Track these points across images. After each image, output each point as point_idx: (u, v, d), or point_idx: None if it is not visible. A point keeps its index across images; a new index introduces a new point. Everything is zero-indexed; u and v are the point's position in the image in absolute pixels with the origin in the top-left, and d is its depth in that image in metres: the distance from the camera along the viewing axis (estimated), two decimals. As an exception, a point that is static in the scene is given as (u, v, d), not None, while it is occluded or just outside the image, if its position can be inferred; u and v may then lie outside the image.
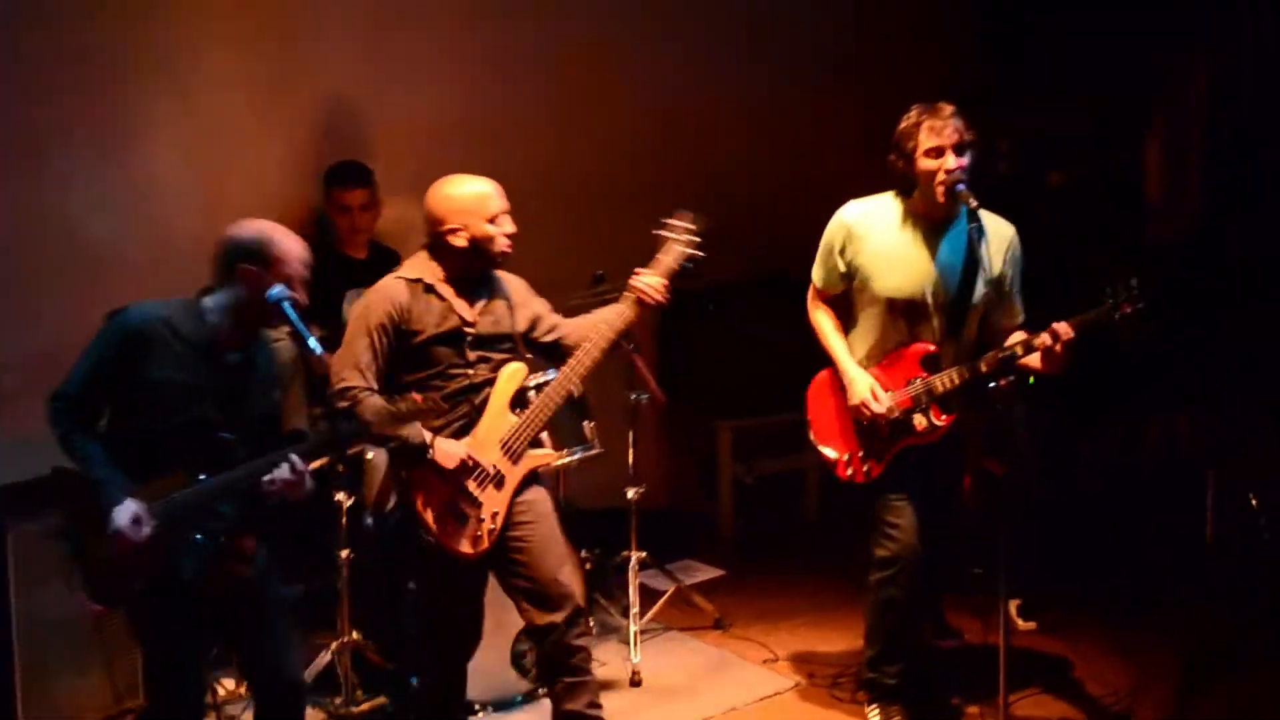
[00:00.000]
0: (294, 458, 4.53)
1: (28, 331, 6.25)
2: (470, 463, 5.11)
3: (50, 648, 5.59)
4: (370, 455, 6.03)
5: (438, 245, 5.21)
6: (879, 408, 5.40)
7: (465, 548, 5.13)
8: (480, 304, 5.23)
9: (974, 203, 5.20)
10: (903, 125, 5.34)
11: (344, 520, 5.87)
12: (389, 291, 5.16)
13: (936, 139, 5.25)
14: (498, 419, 5.20)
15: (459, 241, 5.15)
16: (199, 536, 4.59)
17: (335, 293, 6.44)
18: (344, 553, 5.86)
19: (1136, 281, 5.20)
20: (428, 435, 5.06)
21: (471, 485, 5.13)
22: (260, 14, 6.79)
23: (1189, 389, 7.55)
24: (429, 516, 5.12)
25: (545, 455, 5.33)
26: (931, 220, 5.40)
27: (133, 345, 4.56)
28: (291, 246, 4.63)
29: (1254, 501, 6.80)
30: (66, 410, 4.60)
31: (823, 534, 7.92)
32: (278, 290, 4.58)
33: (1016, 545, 5.27)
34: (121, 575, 4.53)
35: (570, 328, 5.38)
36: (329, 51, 7.02)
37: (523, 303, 5.35)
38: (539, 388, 5.38)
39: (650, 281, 5.27)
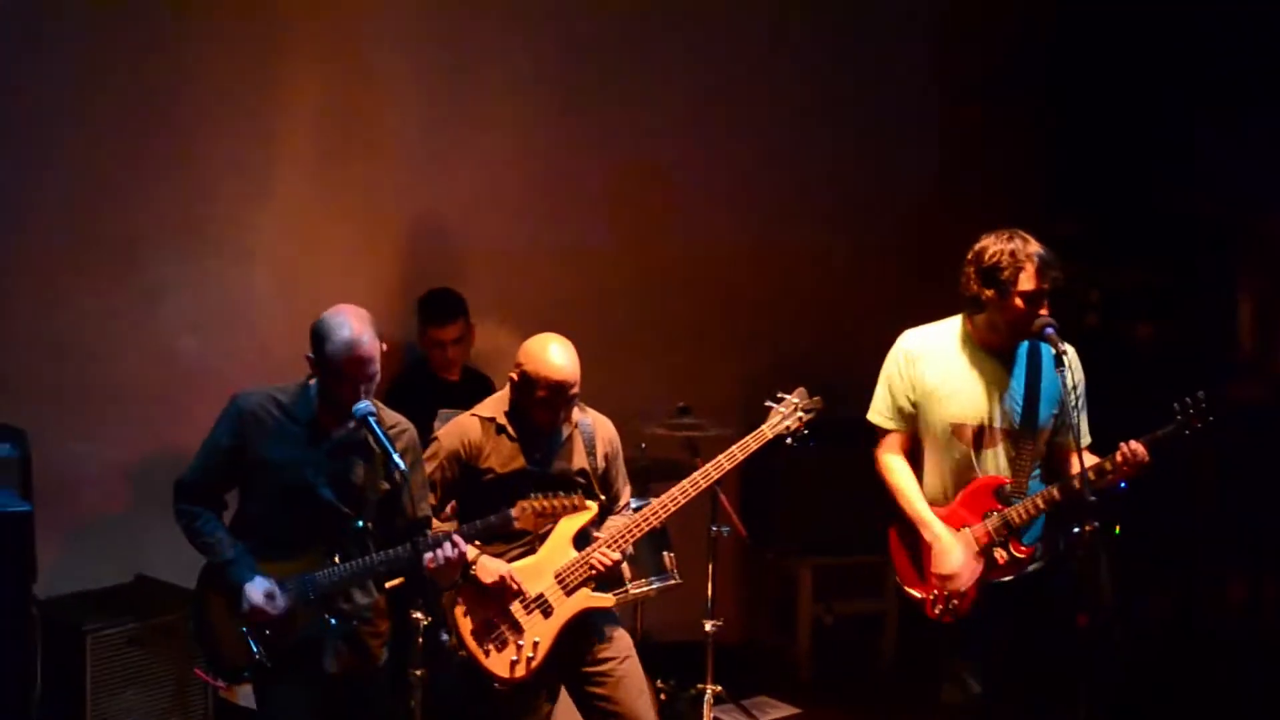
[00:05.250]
0: (456, 537, 4.73)
1: (114, 445, 6.39)
2: (512, 584, 5.14)
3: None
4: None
5: (512, 388, 5.30)
6: (969, 579, 5.30)
7: (499, 670, 5.15)
8: (552, 444, 5.30)
9: (1059, 346, 5.12)
10: (996, 255, 5.17)
11: (420, 638, 5.86)
12: (462, 429, 5.31)
13: (1036, 283, 5.13)
14: (557, 551, 5.25)
15: (518, 397, 5.25)
16: (332, 620, 4.73)
17: (429, 413, 6.49)
18: (419, 671, 5.84)
19: (1204, 394, 5.13)
20: (471, 551, 5.07)
21: (514, 608, 5.17)
22: (359, 138, 6.97)
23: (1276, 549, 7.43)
24: (465, 630, 5.17)
25: (602, 599, 5.32)
26: (994, 345, 5.31)
27: (245, 425, 4.75)
28: (341, 348, 4.66)
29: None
30: (187, 497, 4.79)
31: (900, 676, 7.80)
32: (363, 405, 4.71)
33: (1096, 697, 5.19)
34: (252, 646, 4.66)
35: (617, 506, 5.51)
36: (420, 175, 7.17)
37: (604, 449, 5.43)
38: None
39: (603, 556, 5.27)
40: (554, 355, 5.22)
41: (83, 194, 6.36)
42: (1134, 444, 5.15)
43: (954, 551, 5.32)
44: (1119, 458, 5.15)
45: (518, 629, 5.17)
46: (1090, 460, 5.24)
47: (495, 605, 5.18)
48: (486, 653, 5.18)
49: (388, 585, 5.05)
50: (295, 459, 4.73)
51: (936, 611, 5.42)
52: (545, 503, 4.95)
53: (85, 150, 6.35)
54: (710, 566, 6.53)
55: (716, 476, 5.42)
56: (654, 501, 5.41)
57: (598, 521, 5.37)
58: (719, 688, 6.50)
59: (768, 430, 5.46)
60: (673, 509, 5.39)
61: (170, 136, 6.49)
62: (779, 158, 8.10)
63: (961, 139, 8.47)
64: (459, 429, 5.33)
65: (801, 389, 5.50)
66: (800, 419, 5.46)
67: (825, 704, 7.51)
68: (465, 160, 7.30)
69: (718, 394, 7.19)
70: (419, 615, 5.85)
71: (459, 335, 6.91)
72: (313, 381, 4.81)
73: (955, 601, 5.35)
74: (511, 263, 7.39)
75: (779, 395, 5.50)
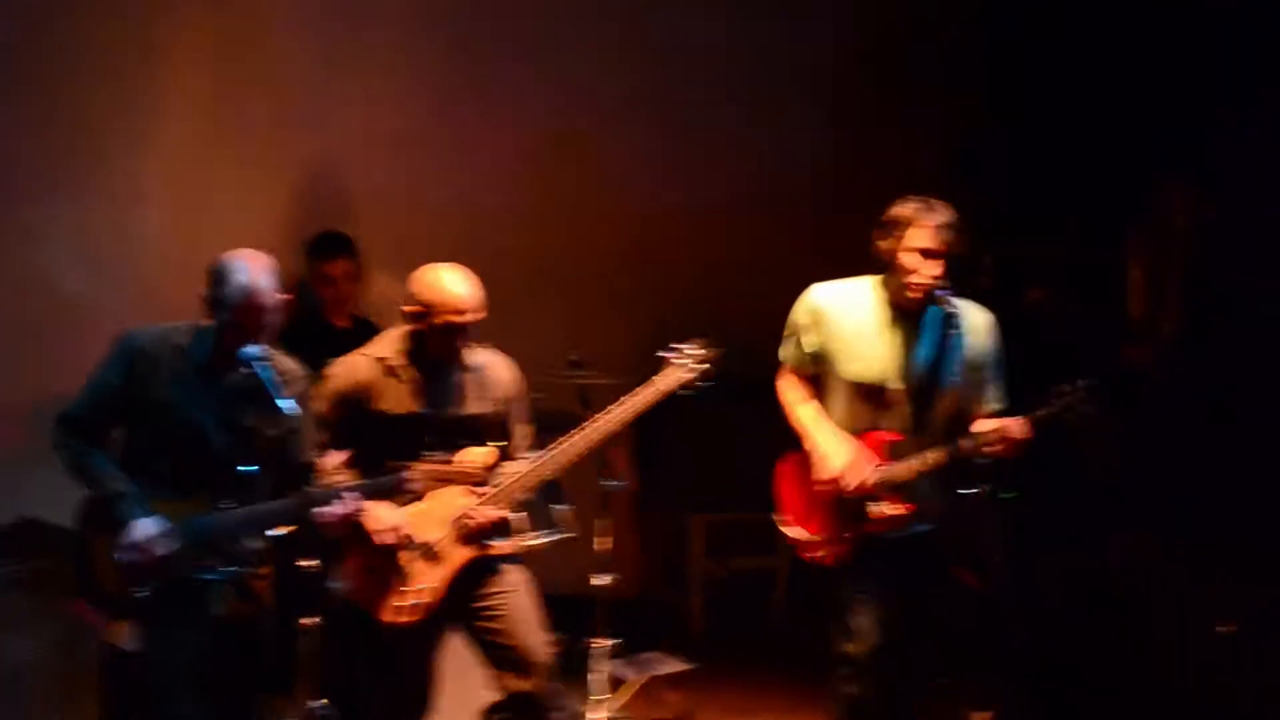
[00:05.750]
0: (346, 494, 4.74)
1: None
2: (403, 534, 5.11)
3: (10, 696, 5.52)
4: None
5: (409, 323, 5.24)
6: (857, 478, 5.30)
7: (387, 616, 5.14)
8: (448, 386, 5.24)
9: (951, 307, 5.21)
10: (898, 212, 5.29)
11: (308, 584, 5.80)
12: (353, 368, 5.24)
13: (925, 241, 5.21)
14: (451, 498, 5.19)
15: (419, 326, 5.18)
16: (219, 565, 4.72)
17: (317, 361, 6.45)
18: (307, 618, 5.79)
19: (1084, 383, 5.21)
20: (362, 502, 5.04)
21: (405, 556, 5.14)
22: (250, 79, 6.95)
23: (1161, 511, 7.51)
24: (354, 576, 5.17)
25: (499, 546, 5.31)
26: (904, 306, 5.36)
27: (137, 365, 4.69)
28: (237, 293, 4.66)
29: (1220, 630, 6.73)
30: (73, 431, 4.72)
31: (792, 631, 7.83)
32: (252, 350, 4.68)
33: (985, 658, 5.23)
34: (131, 582, 4.61)
35: (516, 451, 5.41)
36: (318, 118, 7.18)
37: (502, 391, 5.37)
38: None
39: (484, 514, 5.23)
40: (454, 283, 5.16)
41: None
42: (1013, 421, 5.22)
43: (840, 451, 5.31)
44: (996, 434, 5.21)
45: (408, 576, 5.14)
46: (984, 426, 5.29)
47: (385, 552, 5.14)
48: (375, 599, 5.15)
49: (278, 534, 4.98)
50: (188, 401, 4.71)
51: (816, 555, 5.46)
52: (441, 467, 4.91)
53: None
54: (603, 520, 6.51)
55: (611, 429, 5.37)
56: (545, 453, 5.35)
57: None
58: (612, 642, 6.50)
59: (660, 383, 5.40)
60: (565, 462, 5.34)
61: (54, 72, 6.41)
62: (688, 119, 8.19)
63: (872, 103, 8.54)
64: (349, 368, 5.26)
65: (699, 340, 5.47)
66: (696, 370, 5.42)
67: (717, 658, 7.54)
68: (366, 108, 7.32)
69: (615, 349, 7.18)
70: (307, 561, 5.82)
71: (348, 271, 6.92)
72: (208, 323, 4.75)
73: (834, 547, 5.38)
74: (410, 212, 7.41)
75: (673, 346, 5.47)
